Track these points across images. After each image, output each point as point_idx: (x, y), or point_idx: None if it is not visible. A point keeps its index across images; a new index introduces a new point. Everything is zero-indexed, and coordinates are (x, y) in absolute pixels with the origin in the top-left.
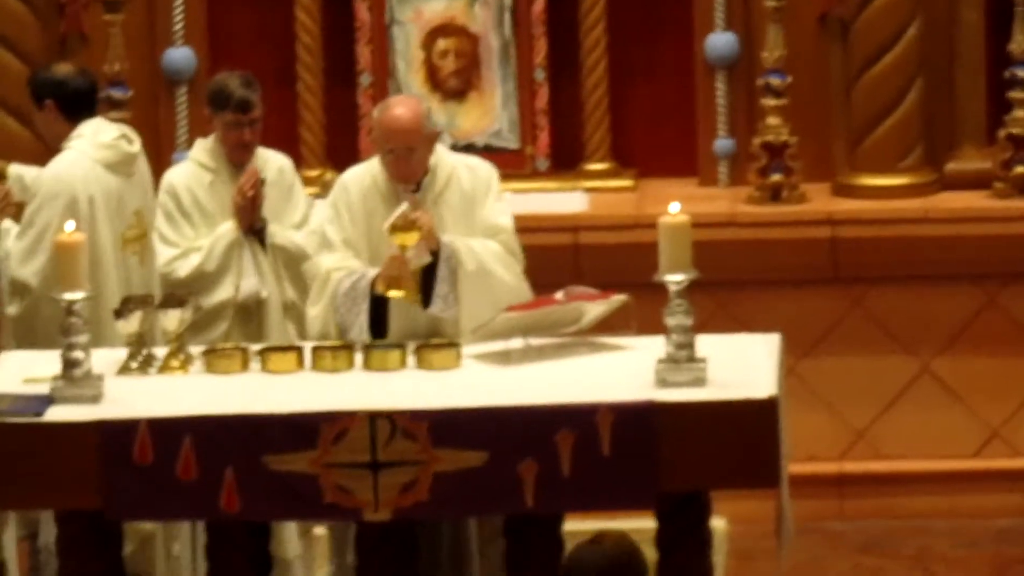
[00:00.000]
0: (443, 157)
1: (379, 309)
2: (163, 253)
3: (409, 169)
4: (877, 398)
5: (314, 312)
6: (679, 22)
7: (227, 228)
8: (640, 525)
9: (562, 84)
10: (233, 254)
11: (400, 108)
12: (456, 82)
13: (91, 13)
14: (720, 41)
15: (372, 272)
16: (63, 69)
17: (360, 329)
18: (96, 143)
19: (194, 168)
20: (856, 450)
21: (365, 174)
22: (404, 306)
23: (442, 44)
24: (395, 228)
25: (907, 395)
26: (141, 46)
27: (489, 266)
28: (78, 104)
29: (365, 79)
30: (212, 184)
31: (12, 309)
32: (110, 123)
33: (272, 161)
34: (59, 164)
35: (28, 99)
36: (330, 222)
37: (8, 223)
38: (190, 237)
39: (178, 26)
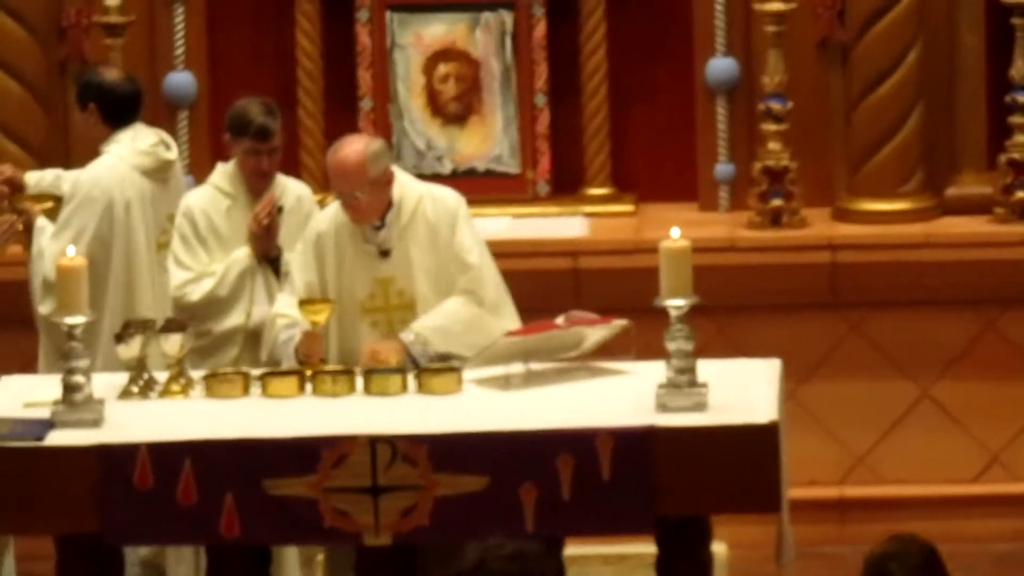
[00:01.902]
0: (408, 190)
1: None
2: (176, 276)
3: (359, 211)
4: (877, 423)
5: (263, 357)
6: (679, 47)
7: (241, 254)
8: (640, 550)
9: (563, 109)
10: (246, 281)
11: (343, 151)
12: (457, 107)
13: (92, 37)
14: (720, 66)
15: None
16: (111, 75)
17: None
18: (134, 149)
19: (212, 193)
20: (856, 475)
21: (335, 214)
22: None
23: (443, 69)
24: (304, 304)
25: (907, 420)
26: (142, 70)
27: (456, 334)
28: (120, 111)
29: (366, 104)
30: (229, 210)
31: (44, 308)
32: (149, 129)
33: (291, 189)
34: (97, 168)
35: (75, 100)
36: (297, 264)
37: (43, 220)
38: (204, 261)
39: (179, 50)
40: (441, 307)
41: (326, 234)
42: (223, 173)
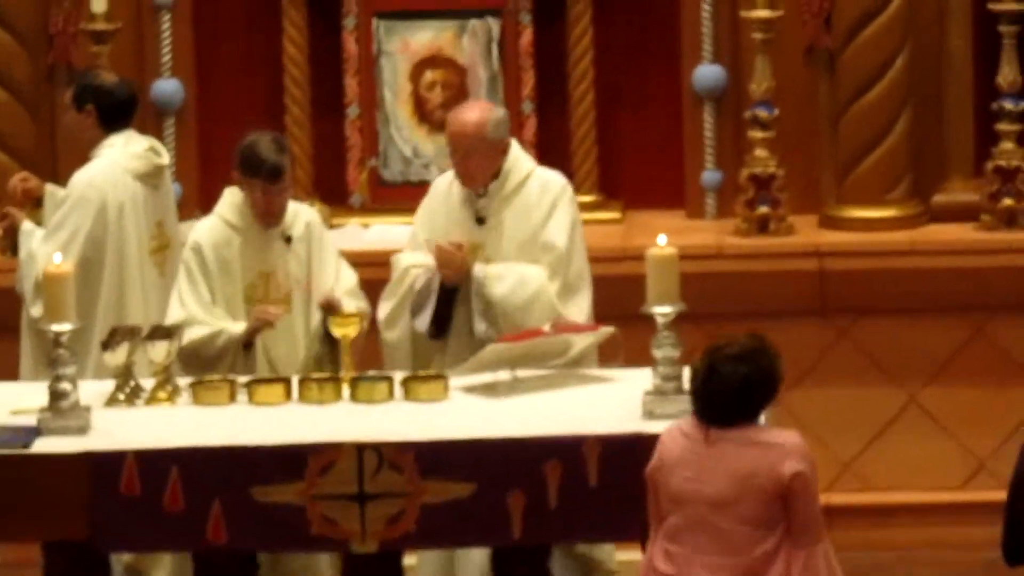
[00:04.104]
0: (519, 164)
1: (446, 306)
2: (172, 313)
3: (467, 172)
4: (864, 430)
5: (387, 306)
6: (667, 54)
7: (237, 330)
8: (627, 556)
9: (550, 116)
10: (229, 353)
11: (465, 113)
12: (443, 114)
13: (79, 44)
14: (708, 73)
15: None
16: (109, 78)
17: (425, 320)
18: (127, 153)
19: (220, 226)
20: (843, 482)
21: (451, 178)
22: (468, 306)
23: (429, 76)
24: (334, 317)
25: (894, 427)
26: (129, 78)
27: (514, 303)
28: (118, 114)
29: (353, 111)
30: (240, 245)
31: (36, 310)
32: (140, 135)
33: (300, 215)
34: (91, 171)
35: (71, 99)
36: (418, 221)
37: (29, 224)
38: (206, 298)
39: (166, 57)
40: (519, 268)
41: (442, 192)
42: (231, 205)
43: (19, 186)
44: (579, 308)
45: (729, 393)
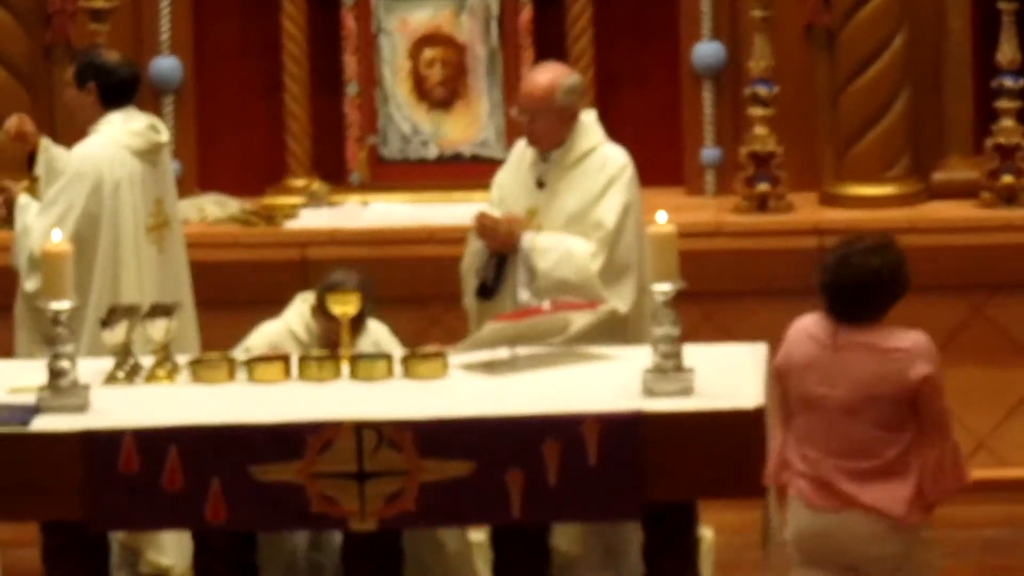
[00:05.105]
0: (586, 137)
1: (498, 270)
2: None
3: (532, 134)
4: None
5: (465, 263)
6: (665, 32)
7: None
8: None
9: None
10: None
11: (539, 74)
12: (442, 91)
13: (77, 23)
14: (707, 51)
15: None
16: (112, 56)
17: (479, 276)
18: (126, 130)
19: (284, 335)
20: None
21: None
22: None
23: (428, 53)
24: (331, 295)
25: None
26: (128, 55)
27: (560, 271)
28: (119, 93)
29: (351, 88)
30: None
31: (30, 284)
32: (140, 113)
33: (368, 335)
34: (88, 146)
35: (73, 75)
36: (496, 179)
37: (25, 198)
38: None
39: (164, 35)
40: (567, 242)
41: (518, 153)
42: (300, 318)
43: (15, 124)
44: (621, 294)
45: (860, 285)
